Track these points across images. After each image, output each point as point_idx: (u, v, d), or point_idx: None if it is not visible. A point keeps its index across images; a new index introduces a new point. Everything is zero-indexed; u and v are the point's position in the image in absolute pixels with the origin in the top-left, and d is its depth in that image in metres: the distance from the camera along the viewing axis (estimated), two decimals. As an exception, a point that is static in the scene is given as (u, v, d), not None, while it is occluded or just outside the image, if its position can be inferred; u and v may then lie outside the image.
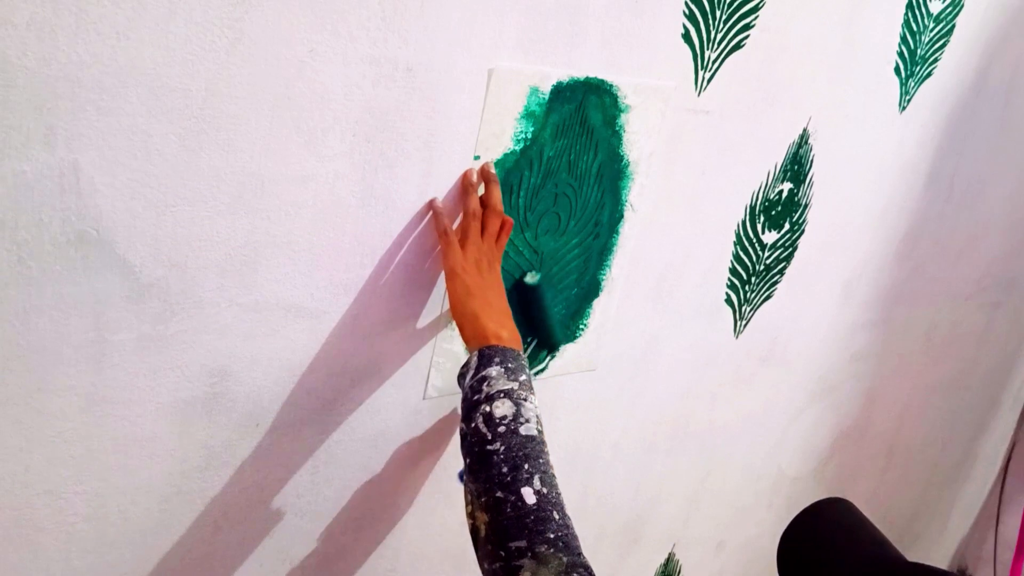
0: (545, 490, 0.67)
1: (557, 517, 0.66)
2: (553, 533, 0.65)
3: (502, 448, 0.69)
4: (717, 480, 1.48)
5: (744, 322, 1.31)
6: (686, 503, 1.46)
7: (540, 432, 0.72)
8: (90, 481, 0.76)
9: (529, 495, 0.67)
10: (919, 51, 1.26)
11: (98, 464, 0.76)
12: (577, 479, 1.22)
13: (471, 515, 0.70)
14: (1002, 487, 2.32)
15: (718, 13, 0.96)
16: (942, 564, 2.44)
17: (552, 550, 0.64)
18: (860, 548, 0.72)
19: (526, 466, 0.68)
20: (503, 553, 0.65)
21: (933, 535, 2.33)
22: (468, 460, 0.72)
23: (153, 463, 0.79)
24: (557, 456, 1.20)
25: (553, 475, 0.70)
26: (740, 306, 1.28)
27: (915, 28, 1.23)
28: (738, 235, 1.19)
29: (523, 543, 0.64)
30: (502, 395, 0.72)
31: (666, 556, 1.50)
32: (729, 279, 1.23)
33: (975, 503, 2.40)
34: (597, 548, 1.35)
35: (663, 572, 1.51)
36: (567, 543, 0.65)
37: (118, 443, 0.76)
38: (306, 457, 0.90)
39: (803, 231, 1.29)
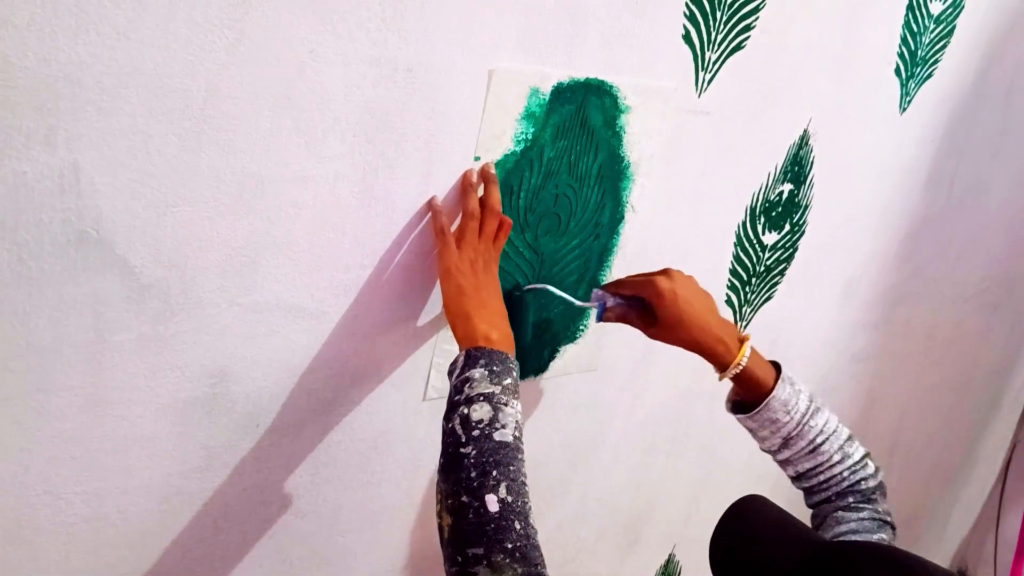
0: (510, 499, 0.67)
1: (519, 527, 0.66)
2: (512, 543, 0.64)
3: (473, 452, 0.69)
4: (717, 481, 1.48)
5: (745, 323, 1.30)
6: (686, 504, 1.46)
7: (516, 439, 0.71)
8: (90, 481, 0.76)
9: (492, 502, 0.66)
10: (919, 52, 1.26)
11: (98, 464, 0.76)
12: (577, 480, 1.22)
13: (439, 514, 0.70)
14: (1002, 488, 2.32)
15: (718, 14, 0.96)
16: (942, 565, 2.44)
17: (508, 560, 0.63)
18: (790, 538, 0.73)
19: (494, 472, 0.68)
20: (460, 559, 0.65)
21: (933, 535, 2.33)
22: (441, 460, 0.72)
23: (153, 463, 0.79)
24: (557, 456, 1.20)
25: (523, 483, 0.69)
26: (741, 307, 1.28)
27: (915, 29, 1.23)
28: (738, 236, 1.19)
29: (480, 550, 0.64)
30: (481, 398, 0.72)
31: (666, 557, 1.50)
32: (729, 280, 1.23)
33: (975, 504, 2.40)
34: (597, 549, 1.35)
35: (663, 573, 1.51)
36: (525, 554, 0.64)
37: (118, 443, 0.76)
38: (306, 457, 0.90)
39: (803, 232, 1.29)
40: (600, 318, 0.94)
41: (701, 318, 0.89)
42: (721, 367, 0.90)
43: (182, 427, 0.79)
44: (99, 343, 0.71)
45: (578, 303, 0.96)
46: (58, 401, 0.71)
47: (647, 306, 0.90)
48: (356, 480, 0.96)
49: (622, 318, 0.93)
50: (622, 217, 1.02)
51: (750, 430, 0.94)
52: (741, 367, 0.89)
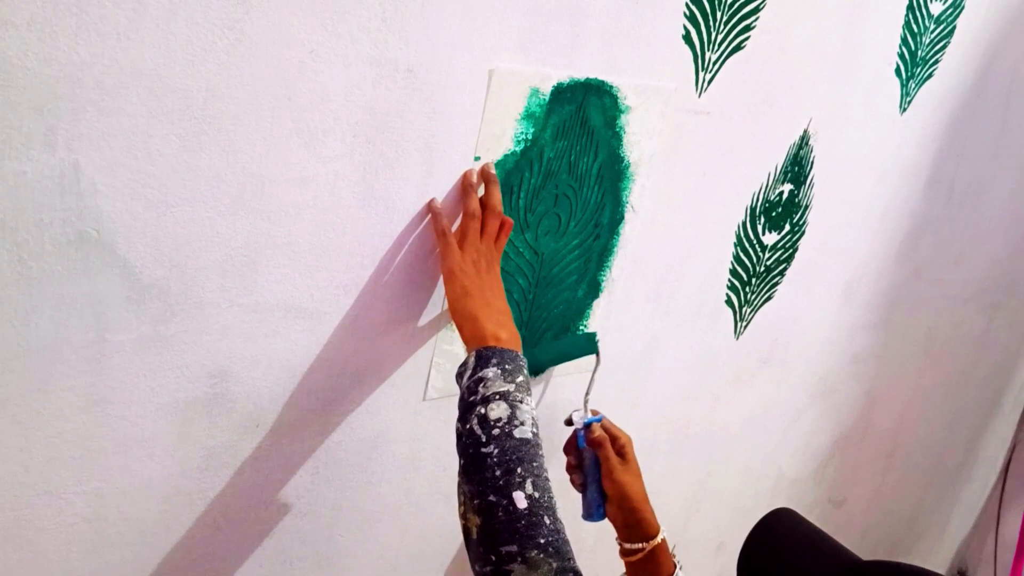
0: (537, 494, 0.67)
1: (548, 522, 0.67)
2: (544, 538, 0.65)
3: (495, 451, 0.69)
4: (717, 481, 1.48)
5: (744, 323, 1.30)
6: (686, 504, 1.46)
7: (535, 435, 0.72)
8: (90, 482, 0.76)
9: (521, 499, 0.67)
10: (920, 52, 1.26)
11: (98, 464, 0.76)
12: (577, 480, 1.22)
13: (463, 516, 0.70)
14: (1002, 488, 2.32)
15: (719, 14, 0.96)
16: (942, 565, 2.44)
17: (542, 555, 0.64)
18: (822, 557, 0.73)
19: (519, 470, 0.68)
20: (494, 557, 0.65)
21: (933, 536, 2.32)
22: (462, 461, 0.72)
23: (153, 464, 0.79)
24: (558, 457, 1.19)
25: (547, 478, 0.70)
26: (740, 307, 1.28)
27: (916, 29, 1.23)
28: (738, 236, 1.19)
29: (514, 548, 0.65)
30: (497, 397, 0.72)
31: (666, 557, 1.50)
32: (730, 280, 1.23)
33: (975, 504, 2.40)
34: (597, 549, 1.35)
35: (663, 573, 1.51)
36: (558, 548, 0.65)
37: (118, 443, 0.76)
38: (306, 457, 0.90)
39: (803, 232, 1.29)
40: (588, 427, 0.96)
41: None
42: (645, 535, 0.91)
43: (182, 427, 0.79)
44: (99, 343, 0.71)
45: (578, 415, 0.97)
46: (58, 401, 0.71)
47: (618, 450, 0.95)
48: (356, 480, 0.96)
49: (601, 442, 0.95)
50: (622, 217, 1.02)
51: None
52: (664, 537, 0.91)
